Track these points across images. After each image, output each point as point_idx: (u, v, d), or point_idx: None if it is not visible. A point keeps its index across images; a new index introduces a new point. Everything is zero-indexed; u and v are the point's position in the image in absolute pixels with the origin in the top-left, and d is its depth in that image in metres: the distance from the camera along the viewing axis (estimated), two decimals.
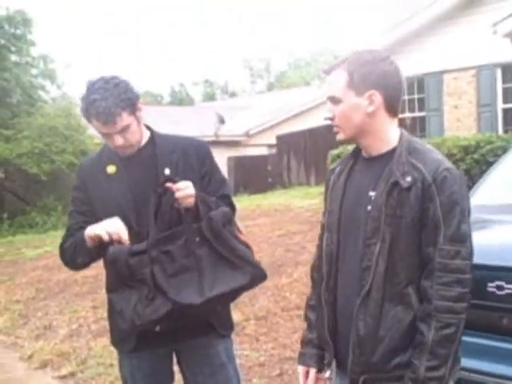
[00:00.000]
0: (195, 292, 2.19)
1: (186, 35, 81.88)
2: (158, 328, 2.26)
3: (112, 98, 2.26)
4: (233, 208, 2.54)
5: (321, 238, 2.11)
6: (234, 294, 2.31)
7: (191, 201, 2.28)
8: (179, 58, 78.54)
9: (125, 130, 2.33)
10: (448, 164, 1.83)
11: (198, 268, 2.24)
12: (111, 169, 2.45)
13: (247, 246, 2.32)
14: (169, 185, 2.27)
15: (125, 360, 2.56)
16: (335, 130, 1.95)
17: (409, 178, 1.80)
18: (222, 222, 2.28)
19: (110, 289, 2.27)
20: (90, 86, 2.31)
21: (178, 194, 2.25)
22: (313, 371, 2.12)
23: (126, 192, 2.41)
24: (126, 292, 2.20)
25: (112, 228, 2.26)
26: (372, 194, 1.88)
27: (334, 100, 1.91)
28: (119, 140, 2.34)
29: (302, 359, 2.16)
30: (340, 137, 1.96)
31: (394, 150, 1.89)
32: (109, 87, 2.27)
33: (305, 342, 2.17)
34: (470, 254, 1.81)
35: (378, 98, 1.85)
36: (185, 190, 2.26)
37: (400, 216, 1.81)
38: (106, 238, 2.24)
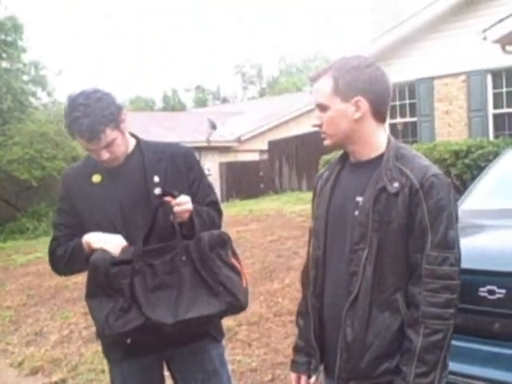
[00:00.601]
0: (169, 312, 2.17)
1: (177, 42, 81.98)
2: (128, 340, 2.24)
3: (94, 116, 2.22)
4: (220, 214, 2.53)
5: (309, 244, 2.10)
6: (209, 319, 2.27)
7: (187, 215, 2.27)
8: (171, 64, 78.60)
9: (110, 144, 2.30)
10: (435, 170, 1.83)
11: (178, 287, 2.22)
12: (97, 178, 2.42)
13: (237, 272, 2.29)
14: (168, 199, 2.25)
15: (115, 369, 2.53)
16: (323, 136, 1.96)
17: (396, 184, 1.80)
18: (210, 245, 2.25)
19: (88, 294, 2.25)
20: (70, 102, 2.26)
21: (176, 209, 2.23)
22: (304, 378, 2.13)
23: (113, 201, 2.38)
24: (103, 300, 2.19)
25: (113, 248, 2.25)
26: (359, 199, 1.87)
27: (321, 107, 1.91)
28: (105, 155, 2.31)
29: (294, 366, 2.16)
30: (327, 143, 1.96)
31: (381, 156, 1.89)
32: (90, 103, 2.23)
33: (296, 350, 2.18)
34: (458, 259, 1.80)
35: (365, 104, 1.85)
36: (184, 204, 2.24)
37: (387, 221, 1.80)
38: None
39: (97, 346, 5.47)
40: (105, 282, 2.19)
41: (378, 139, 1.91)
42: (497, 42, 9.36)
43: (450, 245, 1.78)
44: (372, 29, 14.59)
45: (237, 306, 2.27)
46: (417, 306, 1.78)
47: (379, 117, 1.90)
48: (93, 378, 4.81)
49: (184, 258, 2.25)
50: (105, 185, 2.40)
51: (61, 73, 19.54)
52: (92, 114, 2.22)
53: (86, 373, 4.96)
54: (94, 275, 2.21)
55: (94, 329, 6.38)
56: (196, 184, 2.49)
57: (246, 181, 20.35)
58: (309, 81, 15.01)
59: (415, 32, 12.21)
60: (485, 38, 9.30)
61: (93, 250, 2.27)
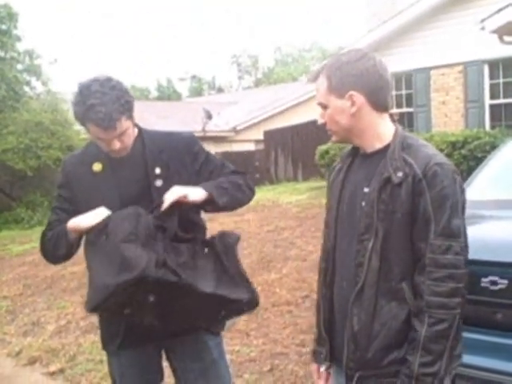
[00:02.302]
0: (203, 283, 2.16)
1: (173, 32, 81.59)
2: (151, 298, 2.15)
3: (111, 104, 2.18)
4: (244, 175, 2.54)
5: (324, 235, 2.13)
6: (230, 304, 2.26)
7: (193, 196, 2.23)
8: (166, 54, 78.23)
9: (123, 134, 2.27)
10: (440, 159, 1.82)
11: (201, 271, 2.22)
12: (97, 167, 2.38)
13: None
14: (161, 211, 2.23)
15: (113, 358, 2.53)
16: (329, 133, 1.99)
17: (400, 174, 1.80)
18: (236, 240, 2.29)
19: (124, 238, 2.12)
20: (83, 90, 2.20)
21: (163, 208, 2.20)
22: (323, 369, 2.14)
23: (113, 191, 2.36)
24: (138, 247, 2.09)
25: (99, 219, 2.22)
26: (366, 190, 1.88)
27: (322, 106, 1.94)
28: (116, 144, 2.28)
29: (314, 357, 2.17)
30: (334, 139, 2.00)
31: (388, 146, 1.89)
32: (106, 91, 2.18)
33: (316, 340, 2.17)
34: (464, 248, 1.79)
35: (359, 97, 1.86)
36: (167, 200, 2.20)
37: (392, 211, 1.80)
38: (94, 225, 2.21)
39: (94, 337, 5.48)
40: (145, 230, 2.13)
41: (381, 130, 1.91)
42: (495, 32, 9.35)
43: (454, 233, 1.77)
44: (368, 19, 14.56)
45: (253, 301, 2.29)
46: (421, 296, 1.78)
47: (379, 107, 1.90)
48: (91, 368, 4.81)
49: (206, 250, 2.26)
50: (105, 174, 2.38)
51: (56, 62, 19.40)
52: (109, 102, 2.17)
53: (84, 363, 4.96)
54: (135, 221, 2.14)
55: (91, 319, 6.38)
56: (205, 168, 2.46)
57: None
58: (308, 82, 15.01)
59: (412, 22, 12.19)
60: (483, 28, 9.28)
61: (81, 232, 2.25)
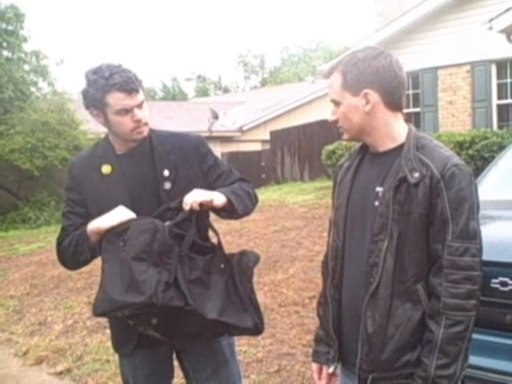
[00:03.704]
0: (209, 307, 2.13)
1: (178, 30, 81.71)
2: (155, 321, 2.16)
3: (127, 71, 2.25)
4: (250, 184, 2.55)
5: (329, 234, 2.09)
6: (233, 329, 2.25)
7: (217, 201, 2.22)
8: (172, 54, 78.37)
9: (142, 106, 2.28)
10: (457, 160, 1.81)
11: (212, 288, 2.19)
12: (107, 169, 2.36)
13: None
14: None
15: (125, 360, 2.51)
16: (340, 130, 1.97)
17: (417, 174, 1.78)
18: (255, 261, 2.27)
19: (135, 257, 2.09)
20: (98, 69, 2.25)
21: (190, 202, 2.17)
22: (325, 368, 2.12)
23: (123, 193, 2.33)
24: (150, 268, 2.07)
25: (123, 217, 2.20)
26: (379, 189, 1.86)
27: (335, 102, 1.92)
28: (139, 113, 2.26)
29: (315, 356, 2.16)
30: (345, 137, 1.98)
31: (401, 146, 1.87)
32: (116, 66, 2.26)
33: (317, 340, 2.17)
34: (480, 250, 1.79)
35: (374, 95, 1.84)
36: (190, 203, 2.17)
37: (408, 212, 1.79)
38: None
39: (101, 336, 5.49)
40: (160, 247, 2.11)
41: (394, 129, 1.90)
42: (502, 31, 9.33)
43: (471, 235, 1.76)
44: (375, 19, 14.53)
45: (259, 329, 2.28)
46: (438, 297, 1.77)
47: (393, 106, 1.88)
48: (98, 368, 4.80)
49: (223, 266, 2.23)
50: (115, 176, 2.35)
51: (62, 62, 19.35)
52: (125, 70, 2.25)
53: (91, 363, 4.95)
54: (151, 237, 2.11)
55: (98, 319, 6.38)
56: (212, 172, 2.45)
57: (248, 171, 20.25)
58: (322, 77, 14.97)
59: (419, 22, 12.17)
60: (490, 28, 9.26)
61: (102, 234, 2.22)
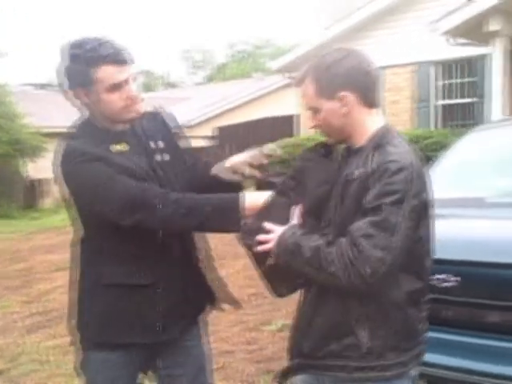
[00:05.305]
0: None
1: (124, 27, 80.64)
2: None
3: (116, 43, 2.07)
4: None
5: None
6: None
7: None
8: None
9: (135, 79, 2.10)
10: (398, 157, 1.76)
11: None
12: (117, 147, 2.12)
13: None
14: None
15: (116, 353, 2.21)
16: (325, 136, 1.98)
17: (357, 172, 1.78)
18: None
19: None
20: (82, 42, 2.03)
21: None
22: None
23: (141, 162, 2.16)
24: None
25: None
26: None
27: (313, 110, 1.91)
28: (133, 88, 2.07)
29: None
30: (330, 142, 1.98)
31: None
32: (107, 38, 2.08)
33: None
34: (392, 248, 1.70)
35: (350, 96, 1.83)
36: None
37: (348, 207, 1.79)
38: None
39: (40, 336, 5.34)
40: None
41: (369, 126, 1.88)
42: (446, 33, 9.52)
43: (387, 228, 1.70)
44: (324, 17, 14.66)
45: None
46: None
47: (369, 103, 1.87)
48: (36, 369, 4.65)
49: None
50: (127, 151, 2.14)
51: (7, 55, 18.75)
52: (113, 42, 2.07)
53: (28, 363, 4.80)
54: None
55: (37, 318, 6.16)
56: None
57: None
58: (294, 85, 14.94)
59: (367, 21, 12.35)
60: (434, 30, 9.43)
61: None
